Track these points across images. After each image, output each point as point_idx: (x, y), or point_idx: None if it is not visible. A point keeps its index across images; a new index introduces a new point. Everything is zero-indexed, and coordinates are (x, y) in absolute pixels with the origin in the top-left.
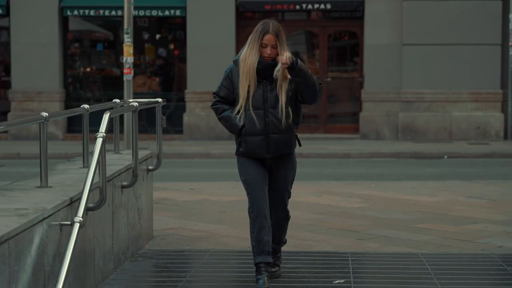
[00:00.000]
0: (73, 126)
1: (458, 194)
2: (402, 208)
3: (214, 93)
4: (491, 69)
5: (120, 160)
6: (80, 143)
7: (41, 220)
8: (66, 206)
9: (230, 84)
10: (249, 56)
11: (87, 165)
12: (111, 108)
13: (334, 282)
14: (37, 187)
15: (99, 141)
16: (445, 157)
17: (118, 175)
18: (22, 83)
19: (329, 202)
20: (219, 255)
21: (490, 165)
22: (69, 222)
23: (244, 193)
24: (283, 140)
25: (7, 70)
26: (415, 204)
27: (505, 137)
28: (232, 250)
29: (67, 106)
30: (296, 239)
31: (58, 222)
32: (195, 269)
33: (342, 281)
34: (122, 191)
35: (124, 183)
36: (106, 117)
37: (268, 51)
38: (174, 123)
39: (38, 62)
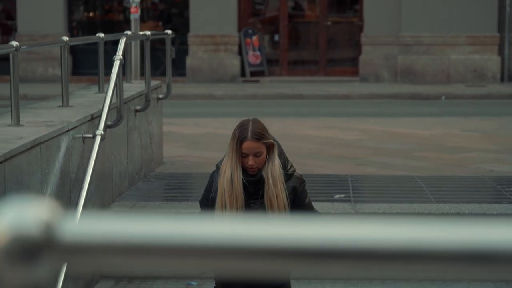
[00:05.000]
0: (77, 68)
1: (454, 128)
2: (399, 140)
3: (199, 202)
4: (489, 12)
5: (132, 87)
6: (85, 85)
7: (66, 131)
8: (87, 121)
9: (209, 196)
10: (227, 171)
11: (102, 91)
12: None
13: (335, 196)
14: (59, 106)
15: (117, 64)
16: (443, 98)
17: (132, 99)
18: (27, 27)
19: (329, 135)
20: None
21: (486, 105)
22: (91, 135)
23: None
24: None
25: (10, 17)
26: (412, 137)
27: (502, 79)
28: None
29: (72, 50)
30: (298, 164)
31: (81, 135)
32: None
33: (342, 195)
34: (135, 115)
35: (138, 107)
36: (122, 42)
37: (250, 161)
38: (177, 66)
39: (43, 6)
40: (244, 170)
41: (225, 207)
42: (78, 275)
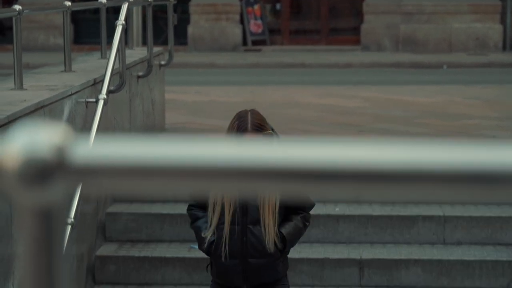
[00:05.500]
0: (79, 38)
1: (456, 95)
2: (401, 107)
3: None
4: None
5: (134, 54)
6: (87, 53)
7: (69, 95)
8: (90, 86)
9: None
10: None
11: (105, 57)
12: None
13: None
14: (62, 71)
15: (119, 29)
16: (444, 67)
17: (134, 65)
18: None
19: (331, 103)
20: None
21: (487, 74)
22: (93, 99)
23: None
24: (266, 266)
25: None
26: (414, 104)
27: (504, 48)
28: None
29: (73, 19)
30: (300, 131)
31: (84, 99)
32: None
33: None
34: (137, 81)
35: (140, 73)
36: (124, 7)
37: None
38: (179, 35)
39: None
40: None
41: (216, 204)
42: (91, 198)
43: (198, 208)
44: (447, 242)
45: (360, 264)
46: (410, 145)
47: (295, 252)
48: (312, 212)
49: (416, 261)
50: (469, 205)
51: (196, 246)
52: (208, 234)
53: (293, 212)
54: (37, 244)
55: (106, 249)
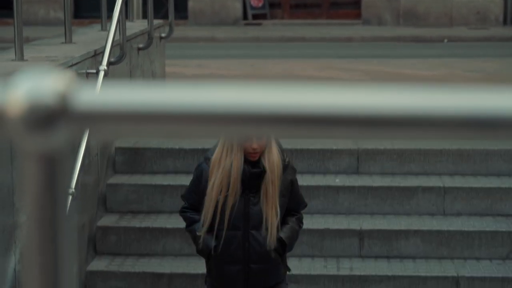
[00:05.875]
0: (79, 12)
1: (456, 69)
2: (402, 80)
3: (182, 196)
4: None
5: (134, 26)
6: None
7: (70, 66)
8: (91, 57)
9: (198, 189)
10: (226, 158)
11: (105, 29)
12: None
13: None
14: (62, 43)
15: (120, 1)
16: (445, 41)
17: (135, 37)
18: None
19: (331, 76)
20: None
21: (488, 47)
22: (94, 71)
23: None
24: (268, 270)
25: None
26: (415, 77)
27: (504, 22)
28: None
29: None
30: None
31: (84, 70)
32: None
33: None
34: (138, 53)
35: (140, 45)
36: None
37: (253, 145)
38: (179, 9)
39: None
40: (245, 157)
41: (219, 197)
42: (96, 143)
43: (192, 210)
44: (447, 213)
45: (360, 234)
46: (408, 90)
47: None
48: (312, 183)
49: (416, 232)
50: (469, 176)
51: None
52: (202, 233)
53: (288, 214)
54: (41, 190)
55: (107, 220)
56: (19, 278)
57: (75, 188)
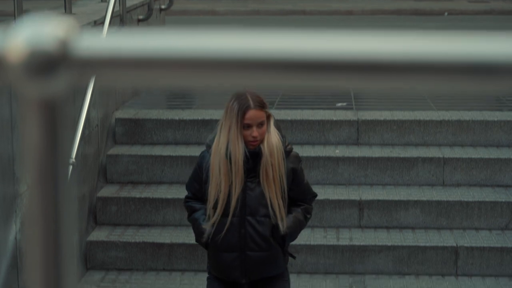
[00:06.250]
0: None
1: None
2: None
3: (186, 185)
4: None
5: None
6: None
7: None
8: (90, 28)
9: (198, 177)
10: (222, 145)
11: (105, 0)
12: None
13: (337, 104)
14: (62, 13)
15: None
16: (445, 14)
17: (134, 9)
18: None
19: None
20: (229, 87)
21: (488, 21)
22: None
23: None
24: (265, 259)
25: None
26: None
27: None
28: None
29: None
30: None
31: None
32: (207, 97)
33: (345, 103)
34: (138, 24)
35: (140, 17)
36: None
37: (254, 132)
38: None
39: None
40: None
41: (221, 187)
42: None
43: (194, 200)
44: (446, 183)
45: (360, 205)
46: (405, 36)
47: None
48: (312, 154)
49: (416, 202)
50: (469, 147)
51: None
52: (207, 226)
53: (294, 204)
54: (41, 135)
55: (107, 191)
56: (20, 247)
57: (75, 159)
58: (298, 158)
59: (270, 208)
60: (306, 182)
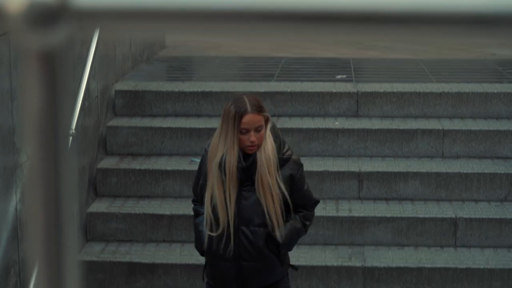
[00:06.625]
0: None
1: None
2: None
3: (192, 188)
4: None
5: None
6: None
7: None
8: None
9: (198, 180)
10: (218, 152)
11: None
12: None
13: (336, 76)
14: None
15: None
16: None
17: None
18: None
19: None
20: (228, 60)
21: None
22: None
23: None
24: (261, 268)
25: None
26: None
27: None
28: (241, 56)
29: None
30: (300, 48)
31: None
32: (207, 69)
33: (344, 76)
34: None
35: None
36: None
37: (251, 137)
38: None
39: None
40: (241, 150)
41: (214, 195)
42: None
43: (197, 202)
44: (446, 155)
45: (359, 177)
46: None
47: None
48: (312, 125)
49: (415, 174)
50: (468, 119)
51: (197, 160)
52: (205, 230)
53: (293, 210)
54: (42, 89)
55: (107, 162)
56: (20, 217)
57: (75, 130)
58: (298, 164)
59: (267, 215)
60: (307, 188)
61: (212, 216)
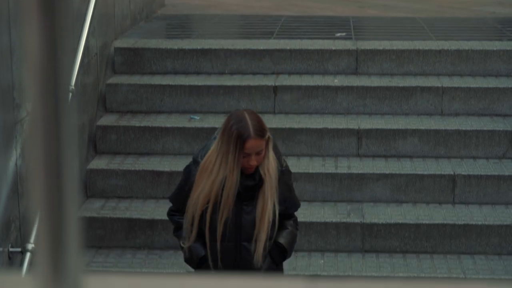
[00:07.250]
0: None
1: None
2: None
3: (169, 198)
4: None
5: None
6: None
7: None
8: None
9: (183, 191)
10: (220, 170)
11: None
12: None
13: (336, 34)
14: None
15: None
16: None
17: None
18: None
19: None
20: (228, 17)
21: None
22: None
23: None
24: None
25: None
26: None
27: None
28: (240, 14)
29: None
30: (299, 7)
31: None
32: (206, 27)
33: (344, 34)
34: None
35: None
36: None
37: (252, 161)
38: None
39: None
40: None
41: (206, 206)
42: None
43: (178, 213)
44: (445, 112)
45: (358, 134)
46: None
47: (295, 123)
48: (311, 83)
49: (414, 131)
50: (467, 76)
51: (197, 117)
52: (185, 246)
53: (286, 217)
54: (42, 30)
55: (107, 120)
56: (20, 173)
57: (74, 86)
58: (290, 172)
59: (254, 235)
60: (294, 193)
61: (191, 227)
